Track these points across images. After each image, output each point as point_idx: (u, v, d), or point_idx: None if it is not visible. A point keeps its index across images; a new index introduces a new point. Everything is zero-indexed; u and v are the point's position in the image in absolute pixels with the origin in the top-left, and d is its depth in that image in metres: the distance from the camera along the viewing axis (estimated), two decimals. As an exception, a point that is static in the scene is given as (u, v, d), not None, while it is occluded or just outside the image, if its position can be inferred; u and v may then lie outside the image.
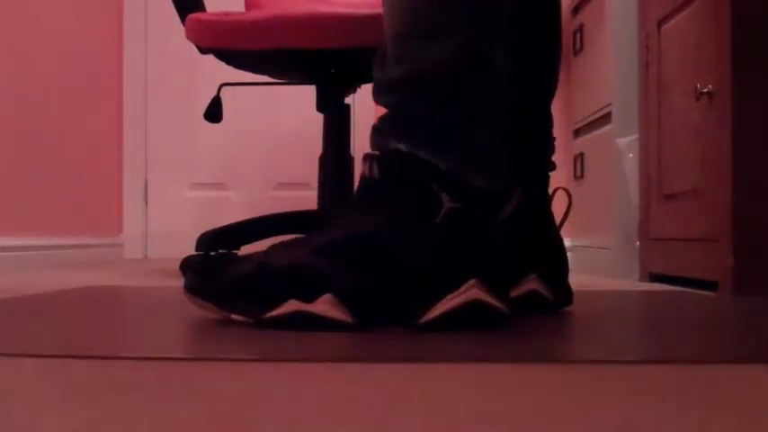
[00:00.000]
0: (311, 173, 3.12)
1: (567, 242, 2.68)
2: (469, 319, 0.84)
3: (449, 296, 0.84)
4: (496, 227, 0.88)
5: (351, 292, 0.85)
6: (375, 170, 0.88)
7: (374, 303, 0.85)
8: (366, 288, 0.85)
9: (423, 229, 0.85)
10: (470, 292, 0.84)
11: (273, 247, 0.90)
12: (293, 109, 3.09)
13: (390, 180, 0.88)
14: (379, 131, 0.90)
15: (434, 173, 0.86)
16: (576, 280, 1.97)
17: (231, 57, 1.86)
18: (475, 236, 0.86)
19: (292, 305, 0.85)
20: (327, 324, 0.84)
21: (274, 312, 0.85)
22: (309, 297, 0.84)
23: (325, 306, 0.84)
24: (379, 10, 1.81)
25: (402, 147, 0.87)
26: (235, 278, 0.88)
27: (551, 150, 1.15)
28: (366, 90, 3.35)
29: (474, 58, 0.87)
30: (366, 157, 0.89)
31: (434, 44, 0.87)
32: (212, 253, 1.86)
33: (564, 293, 1.08)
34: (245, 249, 1.70)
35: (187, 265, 1.85)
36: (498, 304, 0.86)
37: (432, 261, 0.85)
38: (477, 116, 0.88)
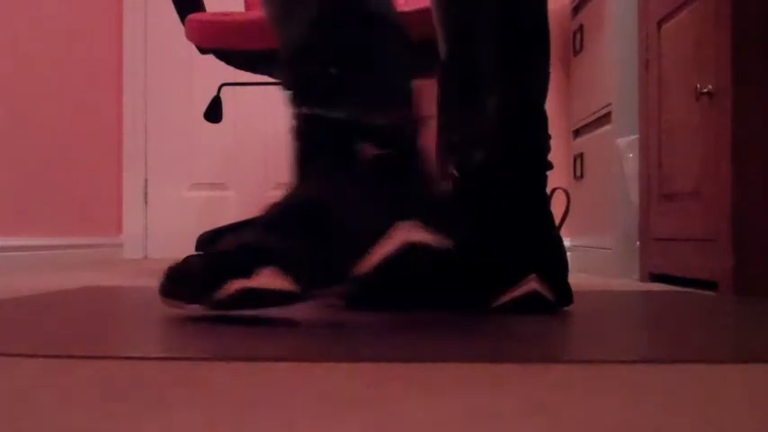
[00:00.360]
0: (311, 173, 3.12)
1: (566, 242, 2.69)
2: (408, 262, 0.82)
3: (380, 242, 0.83)
4: (424, 167, 0.86)
5: (290, 259, 0.85)
6: (296, 139, 0.90)
7: (313, 266, 0.84)
8: (303, 253, 0.85)
9: (347, 183, 0.85)
10: (400, 234, 0.82)
11: (226, 236, 0.92)
12: (293, 109, 3.08)
13: (310, 143, 0.89)
14: (289, 106, 0.93)
15: (345, 125, 0.87)
16: (576, 280, 1.97)
17: (231, 57, 1.86)
18: (401, 179, 0.85)
19: (234, 284, 0.85)
20: (273, 296, 0.85)
21: (220, 295, 0.86)
22: (248, 273, 0.85)
23: (266, 279, 0.84)
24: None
25: (305, 110, 0.89)
26: (190, 271, 0.89)
27: (547, 149, 1.15)
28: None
29: (334, 10, 0.90)
30: (289, 132, 0.92)
31: (296, 13, 0.91)
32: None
33: (564, 293, 1.08)
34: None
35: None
36: (434, 240, 0.82)
37: (360, 211, 0.84)
38: (356, 62, 0.90)
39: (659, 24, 1.85)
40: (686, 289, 1.61)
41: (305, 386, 0.55)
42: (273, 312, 1.00)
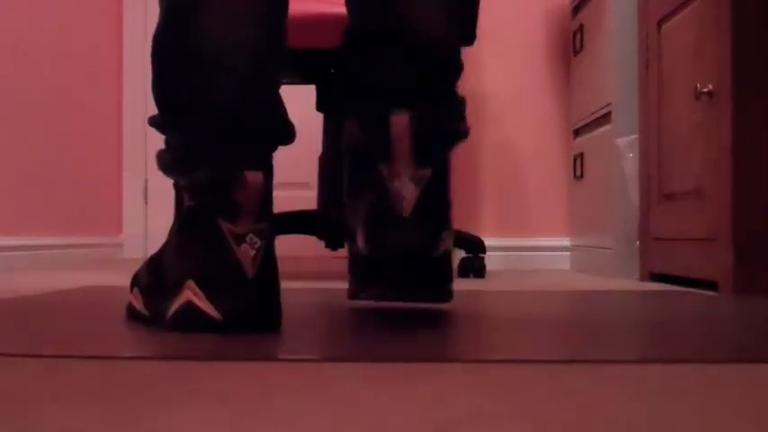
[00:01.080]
0: (311, 173, 3.13)
1: (566, 242, 2.69)
2: (187, 325, 0.84)
3: (173, 300, 0.85)
4: (229, 220, 0.85)
5: (143, 292, 0.93)
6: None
7: (150, 297, 0.91)
8: (146, 284, 0.92)
9: (172, 233, 0.90)
10: (185, 294, 0.84)
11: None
12: (293, 109, 3.08)
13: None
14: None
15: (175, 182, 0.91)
16: (576, 280, 1.97)
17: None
18: (198, 236, 0.85)
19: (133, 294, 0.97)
20: (136, 315, 0.94)
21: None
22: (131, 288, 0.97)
23: (130, 295, 0.96)
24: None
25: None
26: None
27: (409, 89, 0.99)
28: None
29: (171, 51, 0.90)
30: None
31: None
32: None
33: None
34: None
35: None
36: (211, 312, 0.83)
37: (168, 260, 0.89)
38: (175, 107, 0.91)
39: (659, 24, 1.85)
40: (686, 289, 1.61)
41: (305, 386, 0.55)
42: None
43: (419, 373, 0.61)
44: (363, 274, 0.91)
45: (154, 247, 3.16)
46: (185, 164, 0.88)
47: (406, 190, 0.87)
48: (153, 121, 0.93)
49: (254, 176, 0.84)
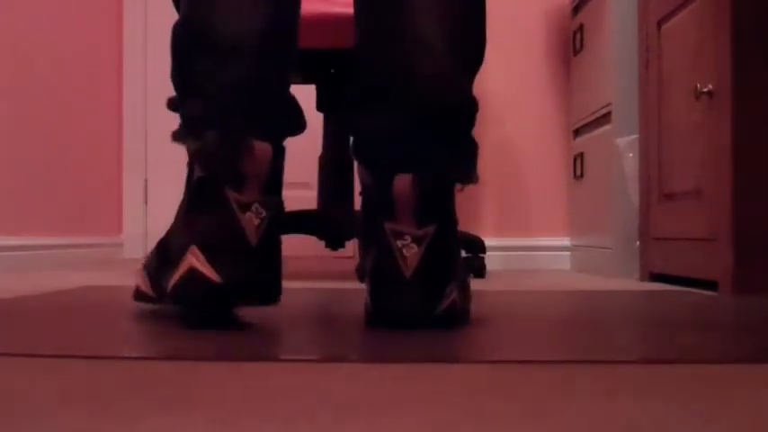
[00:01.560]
0: (311, 173, 3.13)
1: (566, 242, 2.69)
2: (188, 292, 0.84)
3: (176, 271, 0.86)
4: (237, 191, 0.85)
5: (149, 269, 0.98)
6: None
7: (155, 278, 0.94)
8: (153, 265, 0.95)
9: (179, 213, 0.89)
10: (187, 260, 0.84)
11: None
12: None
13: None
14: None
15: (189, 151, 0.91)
16: (577, 280, 1.97)
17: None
18: (205, 206, 0.85)
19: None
20: (142, 297, 0.99)
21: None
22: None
23: (138, 278, 1.00)
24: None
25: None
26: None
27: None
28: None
29: (186, 35, 0.92)
30: None
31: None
32: None
33: None
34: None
35: None
36: (211, 275, 0.83)
37: (174, 230, 0.90)
38: (188, 88, 0.92)
39: (659, 24, 1.85)
40: (686, 289, 1.61)
41: (305, 386, 0.55)
42: (274, 313, 1.00)
43: (419, 373, 0.61)
44: (372, 321, 0.91)
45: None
46: (196, 126, 0.88)
47: (408, 250, 0.86)
48: (171, 104, 0.93)
49: (263, 146, 0.85)
